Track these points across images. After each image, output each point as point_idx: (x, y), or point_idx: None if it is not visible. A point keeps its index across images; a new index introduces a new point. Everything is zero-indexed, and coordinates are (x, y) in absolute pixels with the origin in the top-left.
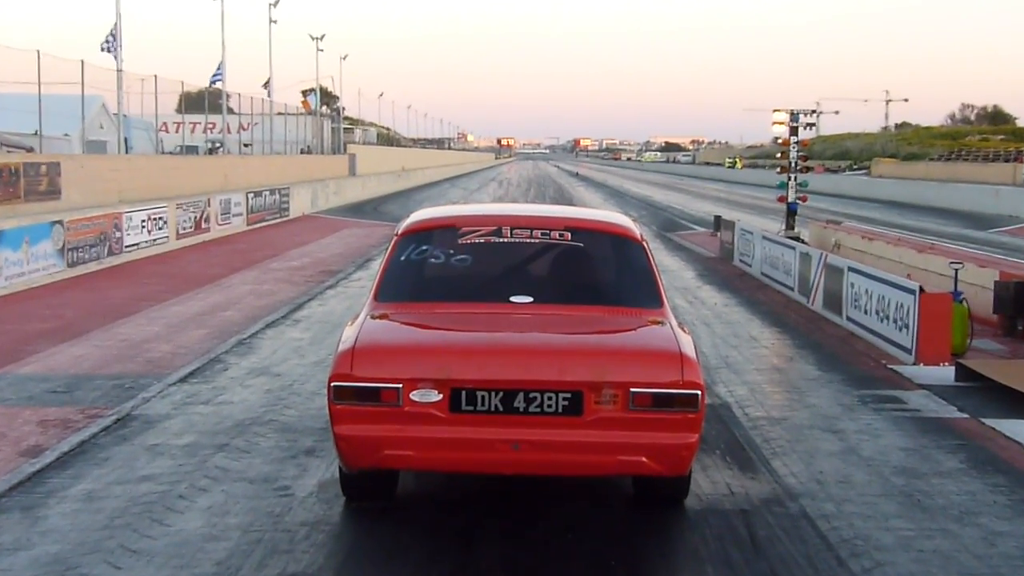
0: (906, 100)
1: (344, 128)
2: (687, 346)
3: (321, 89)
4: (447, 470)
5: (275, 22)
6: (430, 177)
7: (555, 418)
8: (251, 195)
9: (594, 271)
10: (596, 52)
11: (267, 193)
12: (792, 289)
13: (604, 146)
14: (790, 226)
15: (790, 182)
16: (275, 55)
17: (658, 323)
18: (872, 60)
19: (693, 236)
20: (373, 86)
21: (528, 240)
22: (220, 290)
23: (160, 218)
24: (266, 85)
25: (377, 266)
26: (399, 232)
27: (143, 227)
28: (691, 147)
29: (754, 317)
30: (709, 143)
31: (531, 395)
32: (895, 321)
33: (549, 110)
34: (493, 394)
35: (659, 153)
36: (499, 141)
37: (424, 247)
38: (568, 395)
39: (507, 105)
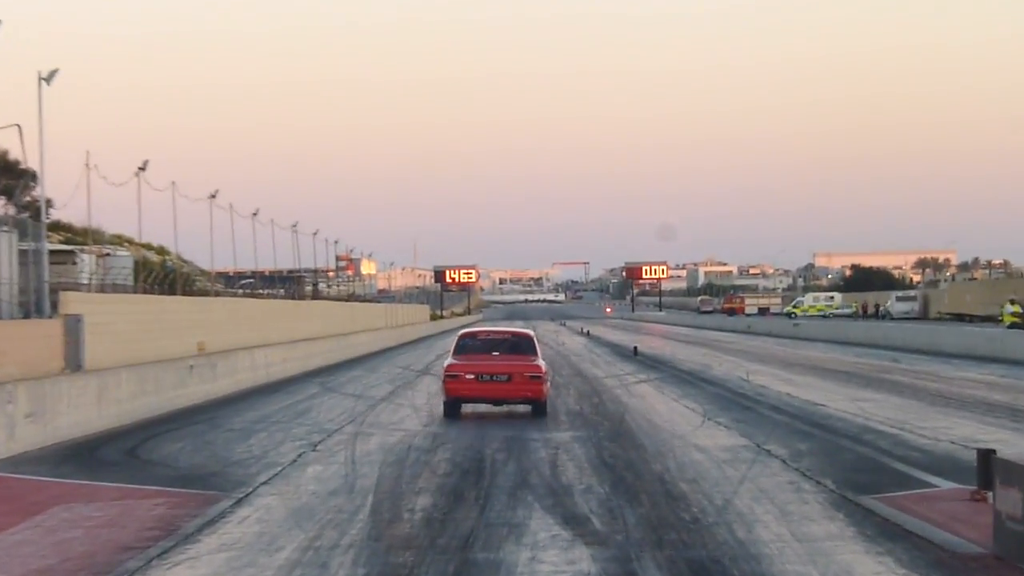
0: None
1: (55, 251)
2: (543, 363)
3: None
4: (477, 397)
5: None
6: (271, 372)
7: (506, 382)
8: None
9: (517, 345)
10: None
11: None
12: None
13: (703, 280)
14: None
15: None
16: None
17: (535, 358)
18: None
19: (925, 501)
20: (127, 153)
21: (499, 337)
22: None
23: None
24: None
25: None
26: (461, 334)
27: None
28: (917, 279)
29: None
30: (959, 267)
31: (499, 375)
32: None
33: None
34: (488, 375)
35: (838, 296)
36: (442, 275)
37: (468, 338)
38: (508, 375)
39: (465, 211)
